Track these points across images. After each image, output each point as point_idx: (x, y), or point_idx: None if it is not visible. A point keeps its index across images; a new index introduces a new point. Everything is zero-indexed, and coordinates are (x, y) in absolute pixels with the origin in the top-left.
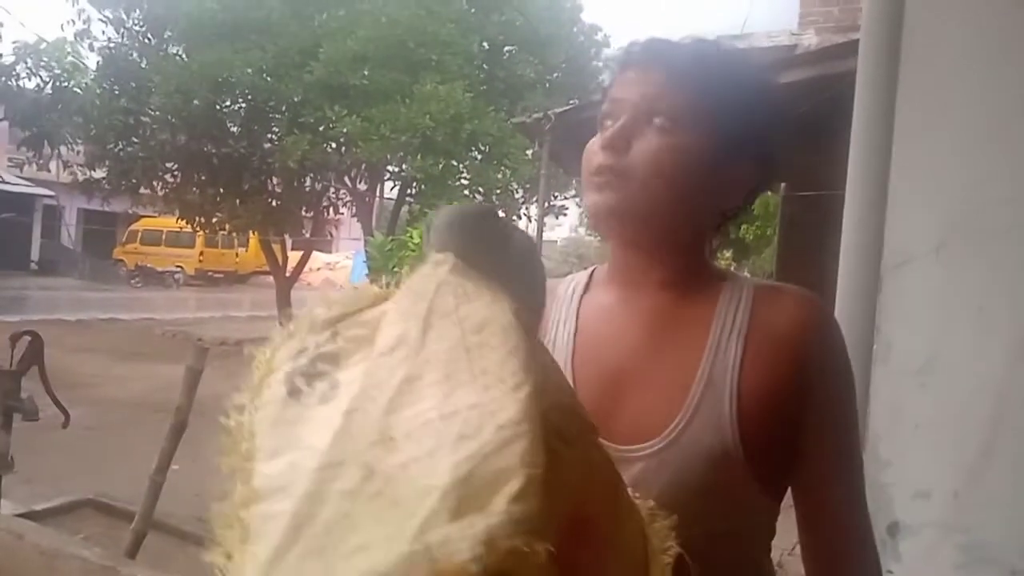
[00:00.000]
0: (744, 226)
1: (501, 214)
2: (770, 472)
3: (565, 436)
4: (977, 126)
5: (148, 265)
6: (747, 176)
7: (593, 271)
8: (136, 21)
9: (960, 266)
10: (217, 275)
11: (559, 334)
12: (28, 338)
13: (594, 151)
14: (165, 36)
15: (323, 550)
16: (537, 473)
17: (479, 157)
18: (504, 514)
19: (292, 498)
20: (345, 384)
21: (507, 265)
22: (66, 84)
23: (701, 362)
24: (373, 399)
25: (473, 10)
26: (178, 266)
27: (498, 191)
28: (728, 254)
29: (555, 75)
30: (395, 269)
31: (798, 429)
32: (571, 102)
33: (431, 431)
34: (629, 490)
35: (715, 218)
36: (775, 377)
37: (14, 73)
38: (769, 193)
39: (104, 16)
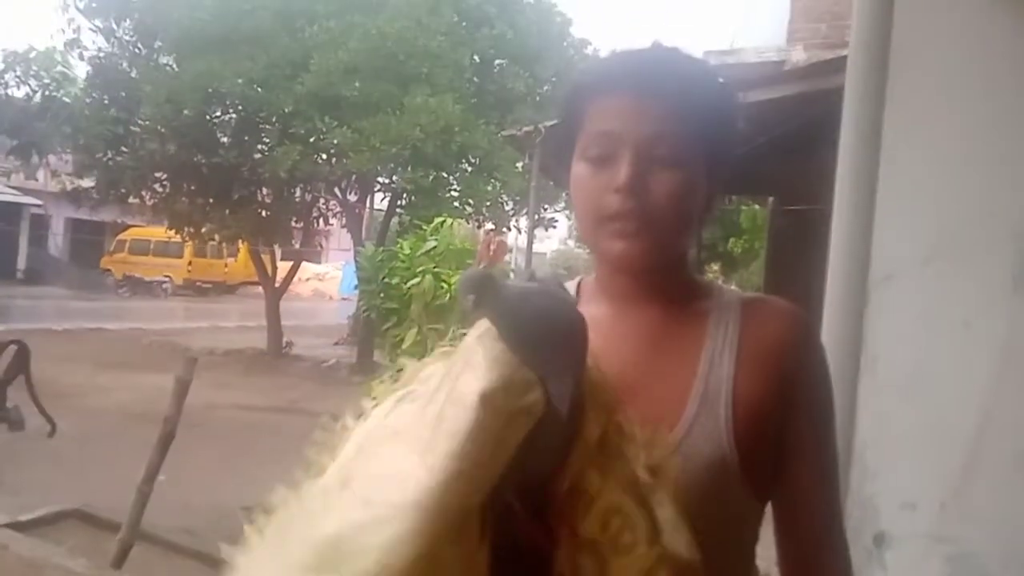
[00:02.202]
0: (732, 240)
1: (550, 289)
2: (760, 479)
3: (461, 536)
4: (963, 142)
5: (136, 275)
6: (724, 183)
7: (580, 282)
8: (126, 31)
9: (946, 280)
10: (206, 285)
11: None
12: (14, 347)
13: (601, 192)
14: (155, 46)
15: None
16: (391, 566)
17: (469, 169)
18: None
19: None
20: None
21: (538, 337)
22: (55, 93)
23: (696, 377)
24: (366, 436)
25: (463, 23)
26: (166, 276)
27: (488, 203)
28: (716, 267)
29: (545, 88)
30: (384, 280)
31: (784, 437)
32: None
33: (365, 484)
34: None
35: (702, 230)
36: (765, 388)
37: (3, 82)
38: (757, 207)
39: (94, 25)
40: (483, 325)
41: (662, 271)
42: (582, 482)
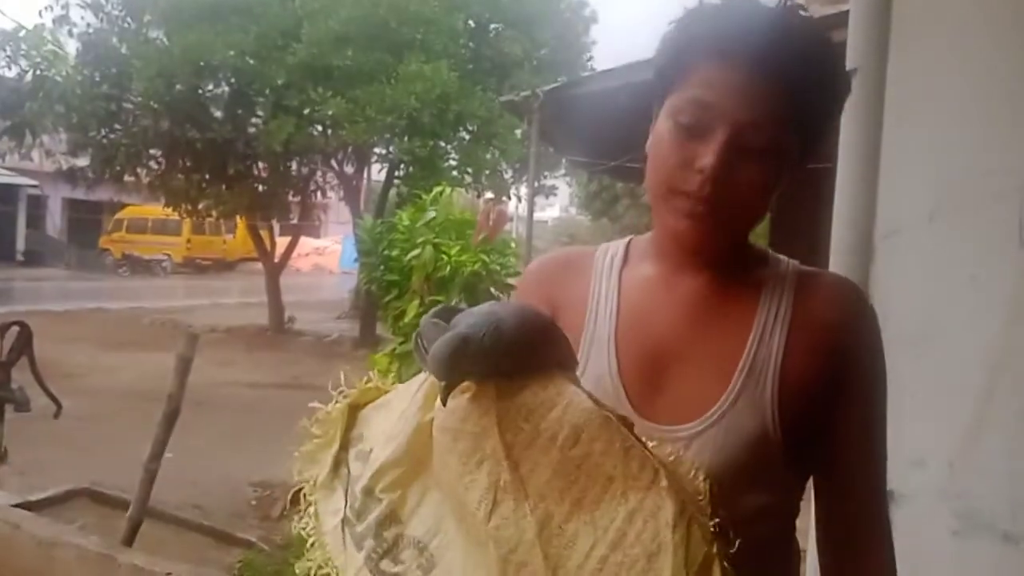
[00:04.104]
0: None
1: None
2: (803, 456)
3: None
4: (967, 96)
5: (135, 254)
6: (812, 159)
7: (630, 241)
8: (115, 5)
9: (952, 235)
10: (205, 262)
11: (600, 309)
12: (16, 328)
13: (682, 165)
14: (145, 20)
15: None
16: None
17: (467, 137)
18: None
19: None
20: (431, 537)
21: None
22: (46, 72)
23: (745, 348)
24: (517, 550)
25: None
26: (165, 254)
27: (487, 172)
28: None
29: (543, 52)
30: (384, 252)
31: (831, 415)
32: (560, 79)
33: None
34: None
35: None
36: (815, 365)
37: None
38: None
39: (83, 1)
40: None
41: (723, 240)
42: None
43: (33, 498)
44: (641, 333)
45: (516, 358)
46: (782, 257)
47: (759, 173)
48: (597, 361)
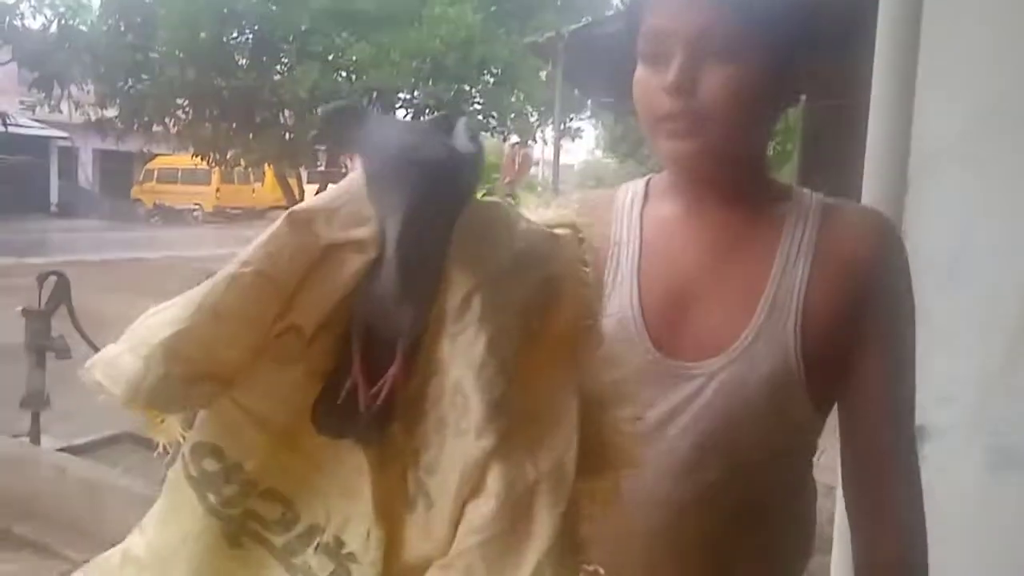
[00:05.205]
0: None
1: (421, 126)
2: (824, 391)
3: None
4: (1006, 24)
5: (166, 204)
6: (798, 80)
7: (649, 180)
8: None
9: (989, 166)
10: (235, 211)
11: (623, 249)
12: (54, 278)
13: (653, 92)
14: None
15: None
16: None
17: (491, 81)
18: None
19: None
20: None
21: (381, 174)
22: (71, 22)
23: (768, 284)
24: None
25: None
26: (196, 204)
27: (512, 115)
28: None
29: None
30: None
31: (856, 350)
32: (584, 19)
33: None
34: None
35: (773, 128)
36: (839, 301)
37: (18, 13)
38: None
39: None
40: None
41: (731, 171)
42: (437, 351)
43: (77, 442)
44: (663, 271)
45: None
46: (807, 191)
47: (724, 77)
48: (619, 301)
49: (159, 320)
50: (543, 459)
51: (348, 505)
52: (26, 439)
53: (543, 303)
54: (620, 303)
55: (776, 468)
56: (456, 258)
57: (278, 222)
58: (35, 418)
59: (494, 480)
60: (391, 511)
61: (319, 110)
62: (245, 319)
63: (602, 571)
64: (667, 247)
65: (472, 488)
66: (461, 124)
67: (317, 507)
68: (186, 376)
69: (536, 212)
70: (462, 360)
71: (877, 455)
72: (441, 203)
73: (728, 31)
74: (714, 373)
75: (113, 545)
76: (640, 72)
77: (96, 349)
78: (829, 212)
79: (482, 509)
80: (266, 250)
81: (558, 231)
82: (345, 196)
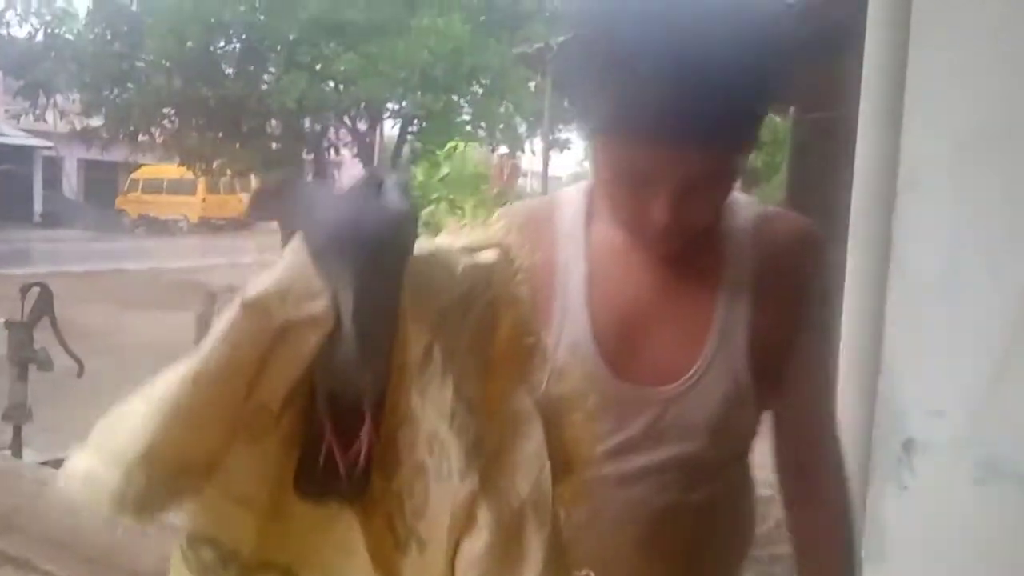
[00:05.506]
0: (752, 153)
1: (361, 191)
2: (767, 394)
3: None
4: (994, 39)
5: (151, 214)
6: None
7: (590, 192)
8: None
9: (978, 180)
10: (221, 222)
11: (570, 277)
12: (37, 289)
13: (640, 211)
14: None
15: None
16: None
17: (480, 91)
18: None
19: None
20: None
21: (328, 246)
22: (57, 31)
23: (715, 312)
24: None
25: None
26: (181, 214)
27: (501, 126)
28: (737, 183)
29: (555, 3)
30: None
31: (793, 352)
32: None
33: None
34: None
35: None
36: (782, 314)
37: (4, 21)
38: (778, 120)
39: None
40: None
41: None
42: (405, 401)
43: (60, 456)
44: (614, 297)
45: None
46: (741, 198)
47: (711, 192)
48: (572, 328)
49: (127, 427)
50: (522, 483)
51: (345, 561)
52: (7, 452)
53: (489, 328)
54: (573, 330)
55: (727, 473)
56: (409, 312)
57: (233, 311)
58: (17, 431)
59: (483, 514)
60: (385, 558)
61: (252, 190)
62: (216, 413)
63: (592, 574)
64: (615, 272)
65: (463, 526)
66: (390, 182)
67: (315, 567)
68: (167, 479)
69: (464, 233)
70: (432, 410)
71: (808, 445)
72: (387, 267)
73: (716, 159)
74: (672, 398)
75: (93, 560)
76: (614, 176)
77: (79, 361)
78: (763, 227)
79: (476, 543)
80: (227, 342)
81: (488, 252)
82: (293, 273)
